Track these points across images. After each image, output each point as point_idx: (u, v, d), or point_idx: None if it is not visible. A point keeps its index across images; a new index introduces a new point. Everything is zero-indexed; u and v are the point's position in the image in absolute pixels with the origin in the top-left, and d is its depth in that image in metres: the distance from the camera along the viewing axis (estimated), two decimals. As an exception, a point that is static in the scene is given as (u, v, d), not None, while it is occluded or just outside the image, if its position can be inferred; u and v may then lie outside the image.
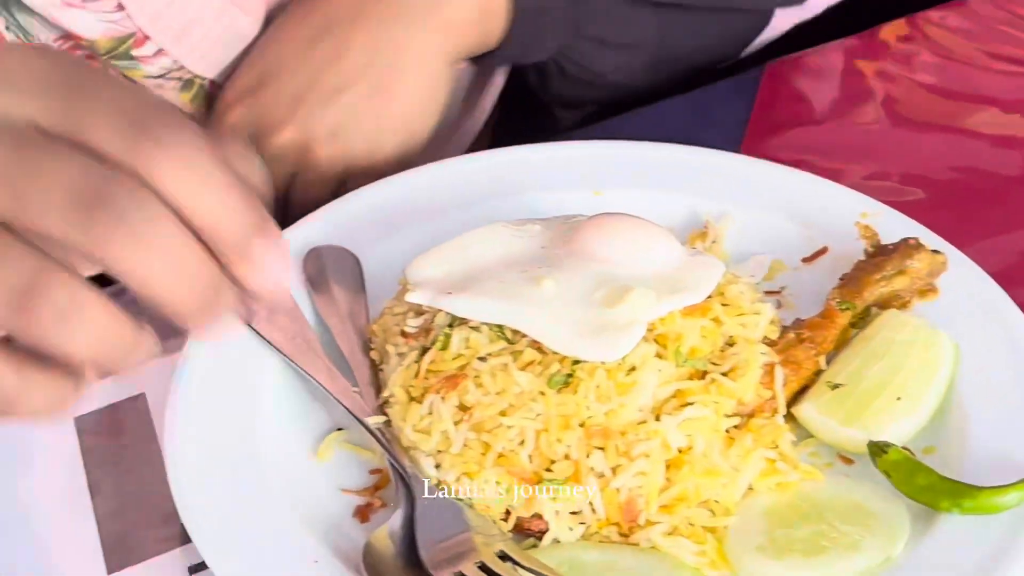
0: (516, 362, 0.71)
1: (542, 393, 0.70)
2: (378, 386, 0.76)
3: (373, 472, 0.75)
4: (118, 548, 0.72)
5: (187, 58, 0.91)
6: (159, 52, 0.91)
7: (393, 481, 0.72)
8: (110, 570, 0.71)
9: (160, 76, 0.92)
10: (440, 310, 0.74)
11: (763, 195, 0.88)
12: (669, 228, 0.86)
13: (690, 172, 0.90)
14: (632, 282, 0.73)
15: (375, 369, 0.78)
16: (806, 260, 0.85)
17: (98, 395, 0.79)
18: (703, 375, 0.72)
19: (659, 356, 0.72)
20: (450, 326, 0.74)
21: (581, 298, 0.72)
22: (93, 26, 0.88)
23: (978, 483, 0.69)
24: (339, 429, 0.76)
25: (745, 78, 1.03)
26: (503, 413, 0.70)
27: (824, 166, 0.93)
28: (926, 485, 0.69)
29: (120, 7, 0.87)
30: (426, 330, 0.75)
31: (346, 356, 0.78)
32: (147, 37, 0.89)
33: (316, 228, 0.86)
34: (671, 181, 0.90)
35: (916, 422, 0.74)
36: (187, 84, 0.95)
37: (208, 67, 0.93)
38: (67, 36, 0.89)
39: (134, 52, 0.91)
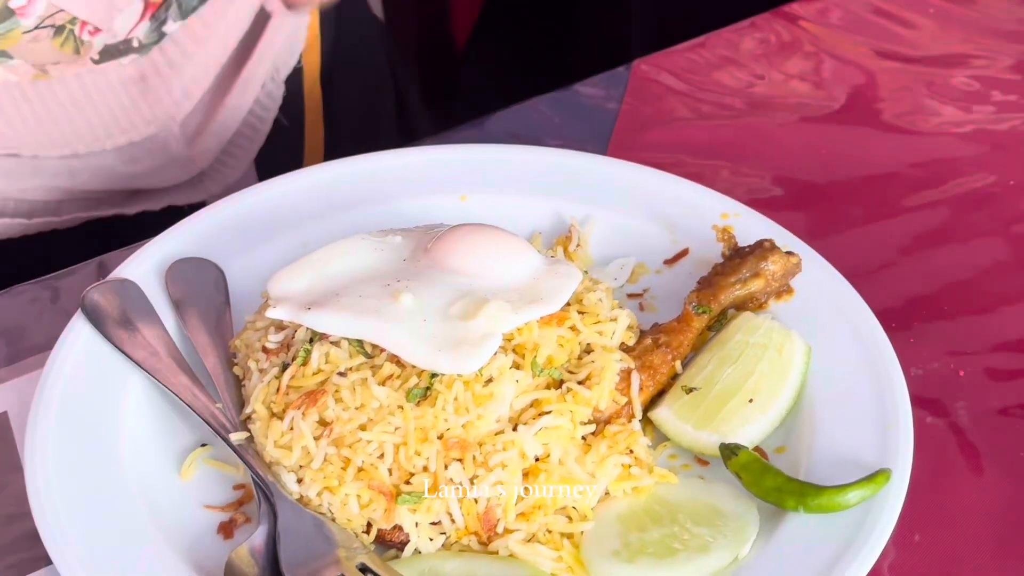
0: (375, 376, 0.73)
1: (401, 407, 0.71)
2: (241, 401, 0.78)
3: (237, 487, 0.76)
4: None
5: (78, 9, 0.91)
6: None
7: (256, 496, 0.73)
8: None
9: (35, 28, 0.92)
10: (301, 325, 0.76)
11: (627, 197, 0.90)
12: (535, 231, 0.89)
13: (556, 175, 0.92)
14: (489, 294, 0.75)
15: (238, 384, 0.79)
16: (668, 262, 0.87)
17: None
18: (560, 384, 0.75)
19: (516, 366, 0.74)
20: (311, 341, 0.75)
21: (439, 312, 0.74)
22: None
23: (825, 482, 0.71)
24: (203, 445, 0.77)
25: (614, 74, 1.04)
26: (363, 427, 0.72)
27: (692, 164, 0.96)
28: (774, 486, 0.72)
29: None
30: (287, 345, 0.76)
31: (210, 372, 0.79)
32: None
33: (179, 240, 0.86)
34: (537, 184, 0.91)
35: (768, 423, 0.77)
36: (59, 31, 0.95)
37: (83, 6, 0.94)
38: None
39: (12, 3, 0.91)
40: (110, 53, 1.01)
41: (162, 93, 1.06)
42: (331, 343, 0.74)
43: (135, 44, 1.00)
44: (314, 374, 0.74)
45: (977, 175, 0.98)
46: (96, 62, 1.00)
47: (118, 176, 1.06)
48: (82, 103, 1.02)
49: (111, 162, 1.05)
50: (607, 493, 0.74)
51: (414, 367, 0.72)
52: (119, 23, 0.98)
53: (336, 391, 0.72)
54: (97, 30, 0.97)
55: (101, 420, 0.77)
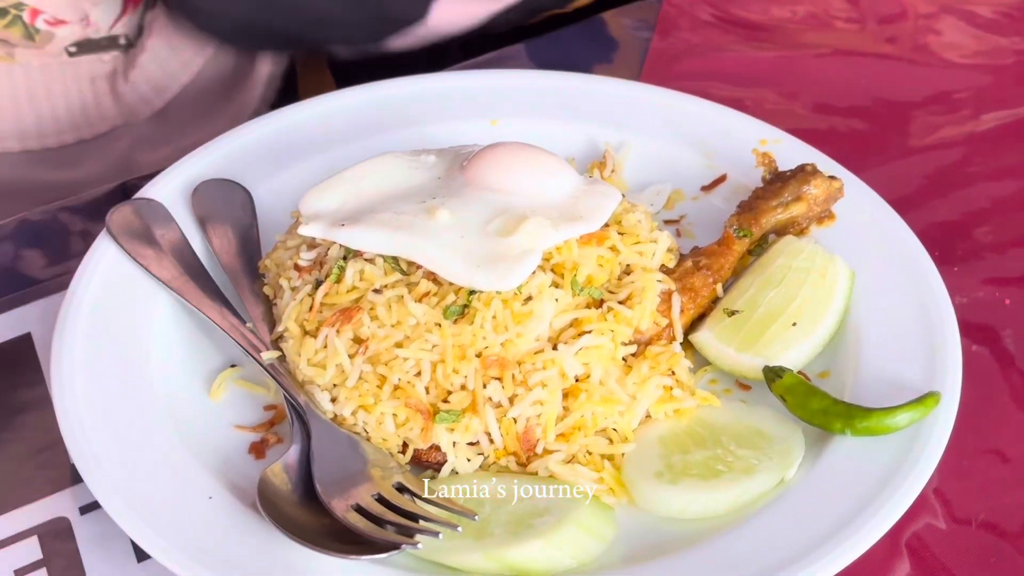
0: (411, 293, 0.72)
1: (438, 324, 0.71)
2: (272, 321, 0.77)
3: (268, 408, 0.75)
4: (5, 490, 0.72)
5: None
6: None
7: (288, 416, 0.73)
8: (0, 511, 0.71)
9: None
10: (334, 242, 0.75)
11: (663, 124, 0.89)
12: (568, 158, 0.88)
13: (588, 101, 0.91)
14: (528, 211, 0.74)
15: (268, 304, 0.78)
16: (705, 189, 0.87)
17: None
18: (600, 304, 0.74)
19: (555, 285, 0.73)
20: (344, 258, 0.74)
21: (476, 228, 0.74)
22: None
23: (871, 405, 0.71)
24: (233, 366, 0.77)
25: (646, 3, 1.03)
26: (399, 345, 0.71)
27: (728, 92, 0.95)
28: (820, 408, 0.71)
29: None
30: (320, 263, 0.76)
31: (239, 292, 0.79)
32: None
33: (204, 161, 0.86)
34: (569, 110, 0.90)
35: (811, 347, 0.76)
36: (2, 12, 0.96)
37: None
38: None
39: None
40: (89, 47, 1.00)
41: (127, 91, 1.05)
42: (365, 260, 0.74)
43: (121, 41, 1.00)
44: (348, 291, 0.73)
45: (1014, 107, 0.97)
46: (72, 55, 1.00)
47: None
48: (38, 94, 1.01)
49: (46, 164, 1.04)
50: (648, 415, 0.74)
51: (451, 284, 0.72)
52: (96, 16, 0.97)
53: (371, 308, 0.72)
54: (60, 22, 0.96)
55: (128, 341, 0.76)
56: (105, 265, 0.79)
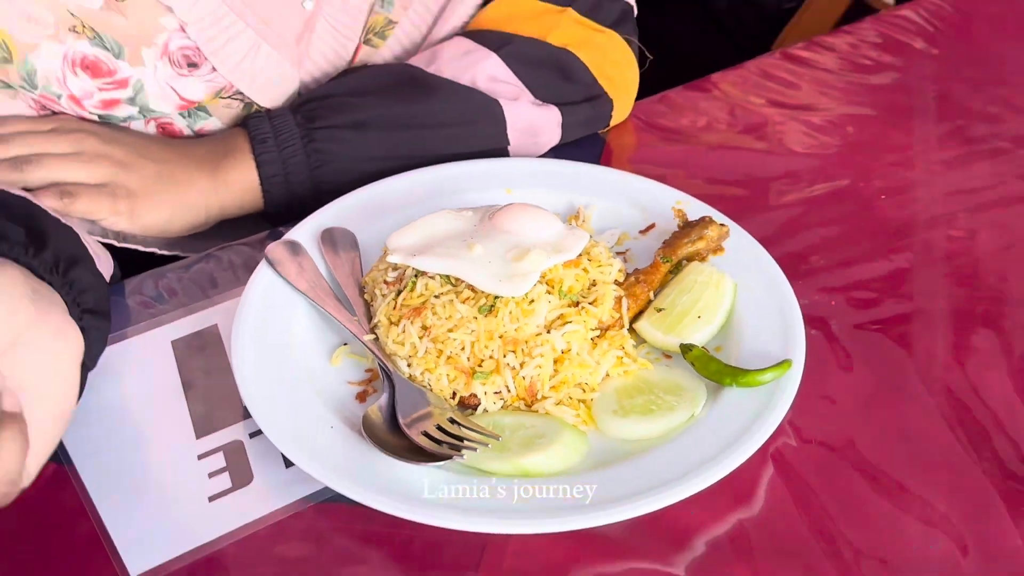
0: (458, 298, 0.71)
1: (475, 317, 0.70)
2: (370, 316, 0.76)
3: (368, 371, 0.74)
4: (203, 422, 0.71)
5: (254, 95, 0.86)
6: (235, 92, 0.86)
7: (380, 376, 0.72)
8: (198, 436, 0.70)
9: (230, 97, 0.86)
10: (409, 266, 0.74)
11: (615, 192, 0.88)
12: (555, 213, 0.86)
13: (568, 178, 0.89)
14: (531, 246, 0.74)
15: (368, 306, 0.77)
16: (642, 232, 0.86)
17: (185, 324, 0.78)
18: (576, 304, 0.73)
19: (549, 292, 0.72)
20: (416, 276, 0.73)
21: (499, 256, 0.73)
22: (198, 87, 0.83)
23: (747, 367, 0.70)
24: (345, 344, 0.76)
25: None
26: (450, 330, 0.70)
27: (655, 173, 0.93)
28: (716, 370, 0.71)
29: (214, 69, 0.82)
30: (400, 279, 0.75)
31: (349, 298, 0.78)
32: (231, 85, 0.85)
33: (328, 215, 0.84)
34: (556, 183, 0.89)
35: (710, 332, 0.75)
36: (247, 106, 0.88)
37: (266, 99, 0.88)
38: (184, 103, 0.83)
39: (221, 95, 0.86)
40: None
41: None
42: (429, 277, 0.73)
43: None
44: (418, 297, 0.72)
45: (833, 181, 0.95)
46: None
47: None
48: None
49: None
50: (607, 375, 0.73)
51: (483, 292, 0.71)
52: None
53: (432, 307, 0.71)
54: None
55: (280, 328, 0.75)
56: (265, 280, 0.78)
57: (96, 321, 0.63)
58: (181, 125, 0.86)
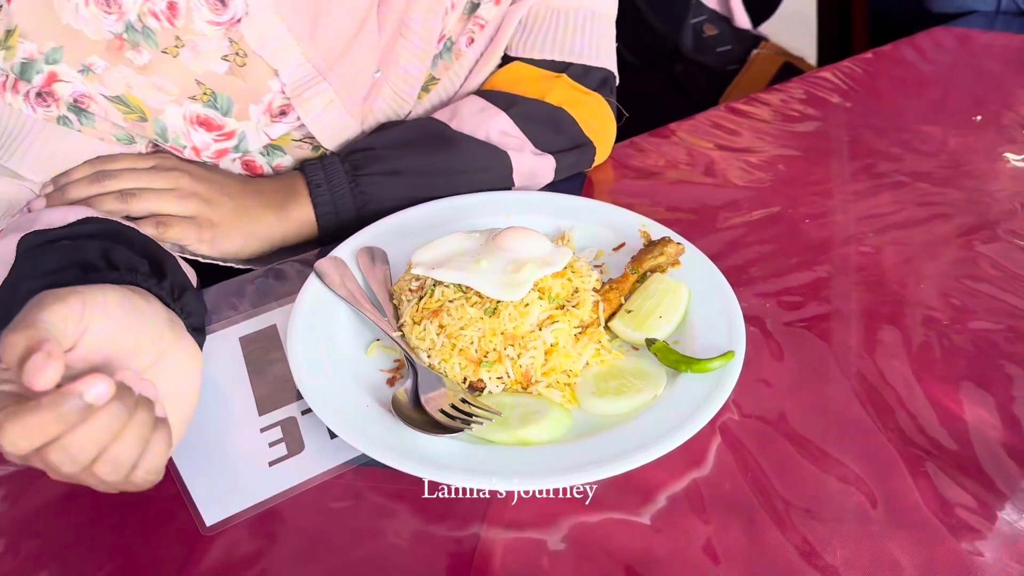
0: (468, 302, 0.72)
1: (482, 318, 0.71)
2: (398, 317, 0.76)
3: (396, 361, 0.74)
4: (264, 402, 0.71)
5: (323, 140, 0.86)
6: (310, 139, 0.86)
7: (406, 365, 0.72)
8: (260, 413, 0.71)
9: (301, 139, 0.87)
10: (428, 277, 0.74)
11: (594, 218, 0.88)
12: (544, 234, 0.86)
13: (555, 206, 0.90)
14: (526, 261, 0.74)
15: (396, 309, 0.77)
16: (615, 250, 0.86)
17: (250, 324, 0.78)
18: (562, 307, 0.73)
19: (540, 298, 0.73)
20: (434, 285, 0.74)
21: (500, 269, 0.73)
22: (282, 130, 0.83)
23: (699, 357, 0.71)
24: (377, 340, 0.76)
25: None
26: (462, 328, 0.71)
27: (625, 203, 0.94)
28: (674, 359, 0.71)
29: (298, 119, 0.82)
30: (422, 288, 0.75)
31: (381, 303, 0.78)
32: (307, 132, 0.84)
33: (365, 236, 0.84)
34: (547, 211, 0.89)
35: (669, 328, 0.75)
36: (315, 148, 0.89)
37: (331, 144, 0.88)
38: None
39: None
40: None
41: None
42: (444, 286, 0.73)
43: None
44: (436, 301, 0.73)
45: (771, 206, 0.96)
46: None
47: None
48: None
49: None
50: (588, 364, 0.73)
51: (488, 297, 0.72)
52: None
53: (448, 310, 0.72)
54: None
55: (326, 328, 0.75)
56: (313, 289, 0.78)
57: (199, 338, 0.65)
58: (262, 162, 0.87)
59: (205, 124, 0.79)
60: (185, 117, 0.78)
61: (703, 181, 1.00)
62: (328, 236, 0.87)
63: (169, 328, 0.54)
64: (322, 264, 0.80)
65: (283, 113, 0.83)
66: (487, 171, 0.89)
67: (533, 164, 0.90)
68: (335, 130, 0.87)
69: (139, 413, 0.47)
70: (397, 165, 0.86)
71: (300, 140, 0.87)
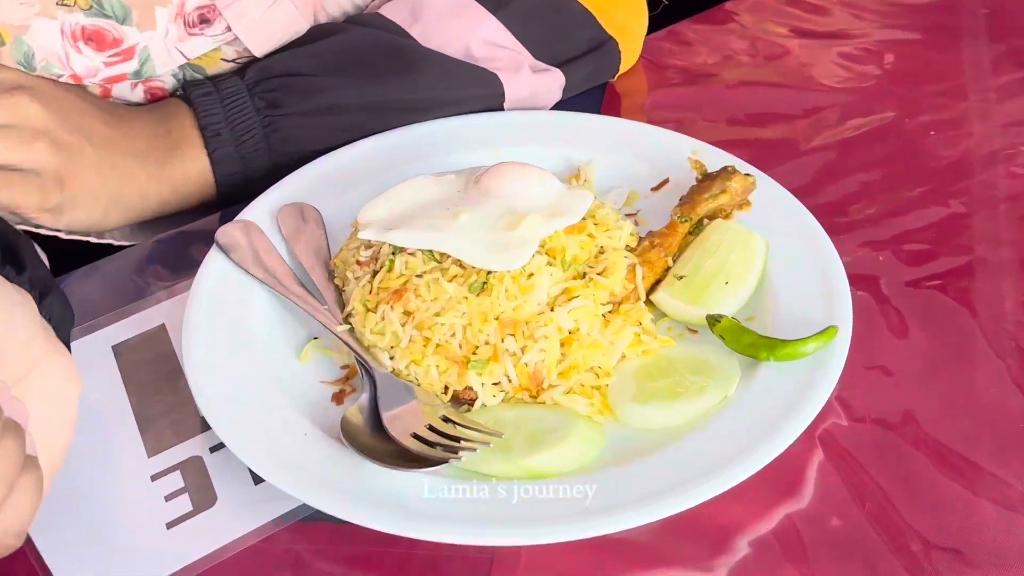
0: (444, 276, 0.71)
1: (466, 297, 0.70)
2: (342, 305, 0.76)
3: (343, 368, 0.74)
4: (155, 438, 0.71)
5: (255, 48, 0.85)
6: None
7: (359, 372, 0.72)
8: (150, 454, 0.70)
9: (233, 60, 0.87)
10: (385, 243, 0.74)
11: (620, 144, 0.88)
12: (550, 170, 0.85)
13: (564, 131, 0.89)
14: (525, 210, 0.73)
15: (339, 292, 0.77)
16: (654, 189, 0.85)
17: (127, 326, 0.78)
18: (583, 276, 0.73)
19: (550, 264, 0.72)
20: (393, 254, 0.73)
21: (489, 225, 0.72)
22: (203, 46, 0.83)
23: (785, 338, 0.70)
24: (315, 338, 0.75)
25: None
26: (437, 314, 0.70)
27: (665, 119, 0.93)
28: (749, 342, 0.70)
29: (229, 28, 0.82)
30: (375, 258, 0.74)
31: (317, 284, 0.77)
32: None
33: (287, 190, 0.84)
34: (550, 138, 0.89)
35: (740, 299, 0.75)
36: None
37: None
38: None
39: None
40: None
41: None
42: (409, 254, 0.73)
43: None
44: (398, 278, 0.72)
45: (870, 116, 0.95)
46: None
47: None
48: None
49: None
50: (623, 356, 0.72)
51: (474, 267, 0.71)
52: None
53: (416, 289, 0.71)
54: None
55: (237, 324, 0.75)
56: (216, 270, 0.78)
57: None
58: (171, 85, 0.86)
59: (95, 40, 0.77)
60: (64, 32, 0.76)
61: (777, 83, 0.99)
62: (230, 199, 0.86)
63: (43, 334, 0.52)
64: (226, 233, 0.80)
65: (204, 21, 0.81)
66: (465, 103, 0.88)
67: (533, 85, 0.89)
68: (280, 36, 0.85)
69: (4, 441, 0.46)
70: (332, 99, 0.84)
71: (235, 60, 0.86)
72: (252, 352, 0.73)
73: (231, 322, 0.75)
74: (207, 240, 0.82)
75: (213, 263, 0.78)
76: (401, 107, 0.87)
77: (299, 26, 0.86)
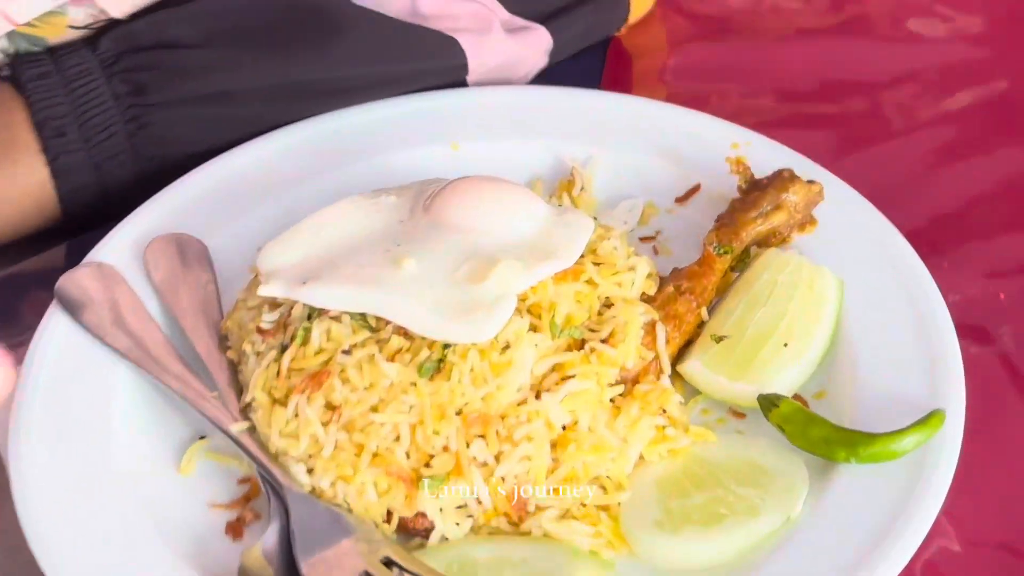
0: (383, 352, 0.68)
1: (413, 384, 0.67)
2: (239, 387, 0.73)
3: (242, 481, 0.71)
4: None
5: (112, 5, 0.85)
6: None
7: (263, 491, 0.69)
8: None
9: (84, 27, 0.86)
10: (297, 301, 0.71)
11: (629, 133, 0.85)
12: (534, 178, 0.85)
13: (550, 115, 0.87)
14: (498, 252, 0.70)
15: (234, 368, 0.74)
16: (679, 200, 0.83)
17: None
18: (581, 344, 0.70)
19: (533, 328, 0.69)
20: (309, 318, 0.70)
21: (445, 275, 0.70)
22: (42, 3, 0.82)
23: (872, 428, 0.68)
24: (202, 438, 0.73)
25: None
26: (374, 409, 0.67)
27: (690, 89, 0.92)
28: (821, 437, 0.68)
29: None
30: (284, 324, 0.71)
31: (203, 357, 0.75)
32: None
33: (155, 216, 0.81)
34: (532, 126, 0.87)
35: (805, 367, 0.73)
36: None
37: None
38: None
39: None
40: None
41: None
42: (331, 319, 0.70)
43: None
44: (316, 354, 0.69)
45: (989, 82, 0.94)
46: None
47: None
48: None
49: None
50: (641, 458, 0.70)
51: (424, 338, 0.68)
52: None
53: (342, 371, 0.68)
54: None
55: (88, 417, 0.72)
56: (57, 337, 0.75)
57: None
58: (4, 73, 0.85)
59: None
60: None
61: (847, 33, 0.97)
62: (80, 223, 0.85)
63: None
64: (74, 281, 0.77)
65: None
66: (411, 80, 0.87)
67: (508, 50, 0.89)
68: None
69: None
70: (222, 81, 0.84)
71: (87, 26, 0.85)
72: (110, 460, 0.70)
73: (80, 414, 0.72)
74: (45, 288, 0.79)
75: (54, 327, 0.75)
76: (319, 90, 0.86)
77: None
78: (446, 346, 0.67)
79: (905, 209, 0.80)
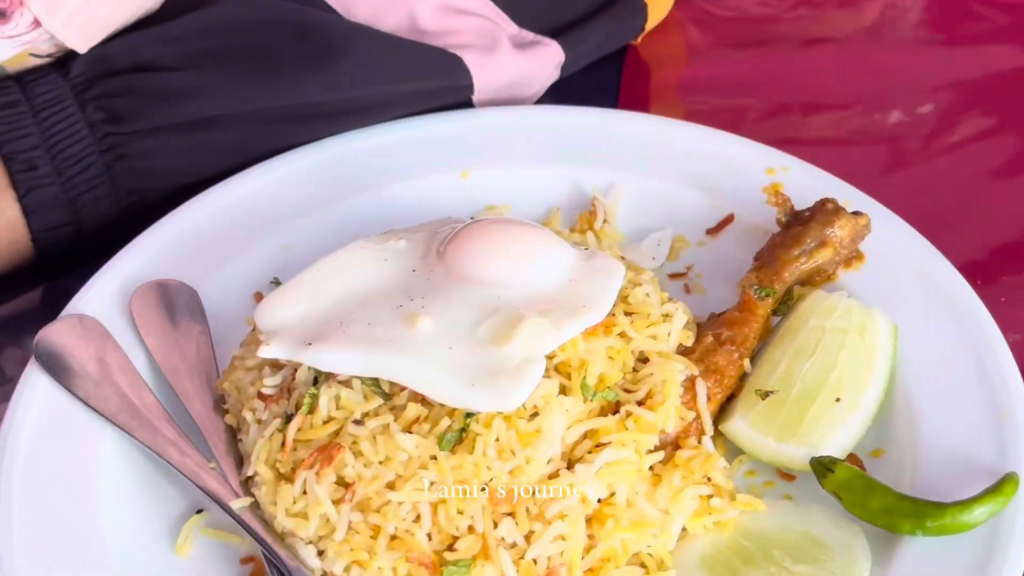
0: (398, 422, 0.64)
1: (433, 457, 0.63)
2: (238, 454, 0.69)
3: (245, 561, 0.67)
4: None
5: (79, 44, 0.83)
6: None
7: (269, 574, 0.64)
8: None
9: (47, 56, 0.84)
10: (300, 364, 0.67)
11: (654, 158, 0.82)
12: (553, 208, 0.82)
13: (567, 137, 0.83)
14: (522, 306, 0.67)
15: (232, 433, 0.70)
16: (711, 232, 0.79)
17: None
18: (617, 407, 0.67)
19: (563, 391, 0.66)
20: (315, 383, 0.66)
21: (465, 335, 0.66)
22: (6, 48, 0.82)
23: (936, 489, 0.64)
24: (199, 512, 0.68)
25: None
26: (391, 486, 0.63)
27: (715, 105, 0.88)
28: (882, 507, 0.64)
29: (37, 23, 0.82)
30: (287, 389, 0.68)
31: (197, 422, 0.70)
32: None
33: (140, 261, 0.78)
34: (548, 151, 0.83)
35: (860, 424, 0.69)
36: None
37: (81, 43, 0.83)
38: None
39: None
40: None
41: None
42: (340, 383, 0.66)
43: None
44: (325, 423, 0.65)
45: None
46: None
47: None
48: None
49: None
50: (685, 531, 0.66)
51: (443, 406, 0.64)
52: None
53: (354, 443, 0.64)
54: None
55: (72, 491, 0.68)
56: (37, 404, 0.70)
57: None
58: None
59: None
60: None
61: (881, 36, 0.93)
62: (57, 264, 0.82)
63: None
64: (55, 337, 0.72)
65: (2, 15, 0.80)
66: (414, 102, 0.84)
67: (517, 66, 0.86)
68: (118, 17, 0.82)
69: None
70: (207, 105, 0.81)
71: (50, 55, 0.82)
72: (97, 538, 0.66)
73: (63, 488, 0.67)
74: (20, 338, 0.78)
75: (32, 389, 0.71)
76: (311, 114, 0.83)
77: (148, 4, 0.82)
78: (468, 415, 0.64)
79: (956, 236, 0.77)
